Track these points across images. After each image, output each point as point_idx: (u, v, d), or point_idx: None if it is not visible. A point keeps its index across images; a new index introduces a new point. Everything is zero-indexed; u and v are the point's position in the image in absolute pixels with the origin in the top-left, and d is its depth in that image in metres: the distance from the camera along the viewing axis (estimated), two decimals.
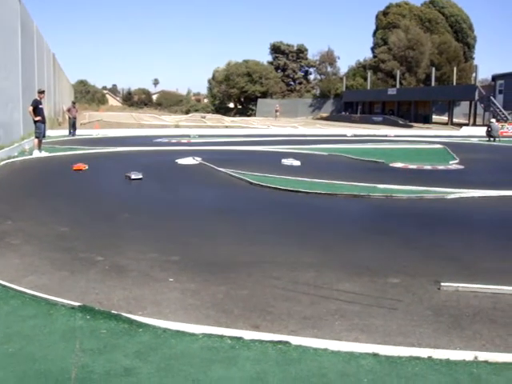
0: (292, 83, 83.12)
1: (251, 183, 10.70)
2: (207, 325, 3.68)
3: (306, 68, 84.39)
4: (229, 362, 3.17)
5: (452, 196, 9.60)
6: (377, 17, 75.38)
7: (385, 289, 4.59)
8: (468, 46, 73.03)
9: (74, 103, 30.37)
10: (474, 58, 73.92)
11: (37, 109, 16.28)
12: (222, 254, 5.71)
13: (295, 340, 3.44)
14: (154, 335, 3.51)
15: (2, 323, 3.72)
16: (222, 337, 3.49)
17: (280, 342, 3.41)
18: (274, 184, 10.34)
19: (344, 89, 68.92)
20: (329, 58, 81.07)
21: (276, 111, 60.40)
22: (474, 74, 53.85)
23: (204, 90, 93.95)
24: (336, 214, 8.36)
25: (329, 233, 6.95)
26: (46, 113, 18.40)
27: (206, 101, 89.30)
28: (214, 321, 3.81)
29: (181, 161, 14.82)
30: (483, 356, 3.29)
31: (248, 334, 3.52)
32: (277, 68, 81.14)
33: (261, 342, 3.42)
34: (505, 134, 36.91)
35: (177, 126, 40.53)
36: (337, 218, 8.07)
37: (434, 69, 57.68)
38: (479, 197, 9.73)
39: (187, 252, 5.75)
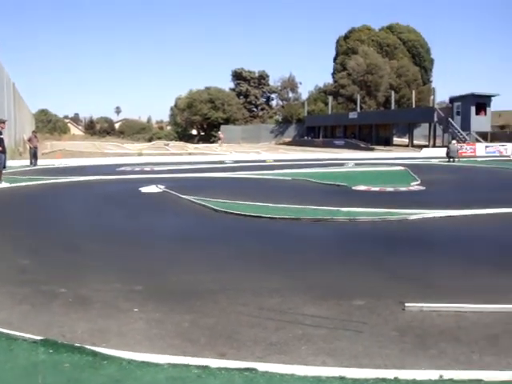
0: (254, 109, 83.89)
1: (215, 210, 10.67)
2: (173, 354, 3.64)
3: (268, 94, 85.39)
4: None
5: (414, 217, 9.73)
6: (337, 42, 76.94)
7: (350, 311, 4.62)
8: (425, 69, 75.08)
9: (34, 133, 30.00)
10: (431, 81, 76.04)
11: None
12: (187, 282, 5.67)
13: (262, 366, 3.42)
14: (119, 367, 3.44)
15: None
16: (187, 366, 3.44)
17: (247, 369, 3.38)
18: (238, 210, 10.33)
19: (306, 114, 69.84)
20: (290, 84, 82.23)
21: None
22: (432, 97, 55.06)
23: (166, 118, 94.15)
24: (299, 238, 8.34)
25: (292, 258, 6.95)
26: (6, 143, 18.12)
27: (168, 128, 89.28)
28: (180, 350, 3.77)
29: (144, 189, 14.73)
30: (448, 374, 3.33)
31: (214, 363, 3.49)
32: (239, 94, 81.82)
33: (227, 369, 3.39)
34: (464, 154, 37.81)
35: (140, 154, 40.29)
36: (300, 242, 8.05)
37: (393, 92, 58.99)
38: (440, 217, 9.89)
39: (151, 281, 5.69)
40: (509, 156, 39.31)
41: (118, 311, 4.64)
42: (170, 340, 3.98)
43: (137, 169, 24.89)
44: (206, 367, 3.43)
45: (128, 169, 24.96)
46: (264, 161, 26.71)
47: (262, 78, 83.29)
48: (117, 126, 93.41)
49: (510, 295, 5.04)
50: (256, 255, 7.07)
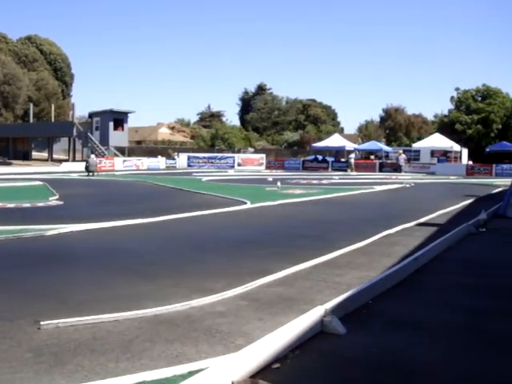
0: None
1: None
2: None
3: None
4: None
5: (51, 232, 9.59)
6: None
7: None
8: (66, 83, 75.03)
9: None
10: (71, 96, 76.25)
11: None
12: None
13: None
14: None
15: None
16: None
17: None
18: None
19: None
20: None
21: None
22: (71, 111, 55.13)
23: None
24: None
25: None
26: None
27: None
28: None
29: None
30: None
31: None
32: None
33: None
34: (103, 168, 38.77)
35: None
36: None
37: (32, 105, 57.22)
38: (78, 231, 9.94)
39: None
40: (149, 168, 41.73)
41: None
42: None
43: None
44: None
45: None
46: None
47: None
48: None
49: (143, 300, 5.33)
50: None
